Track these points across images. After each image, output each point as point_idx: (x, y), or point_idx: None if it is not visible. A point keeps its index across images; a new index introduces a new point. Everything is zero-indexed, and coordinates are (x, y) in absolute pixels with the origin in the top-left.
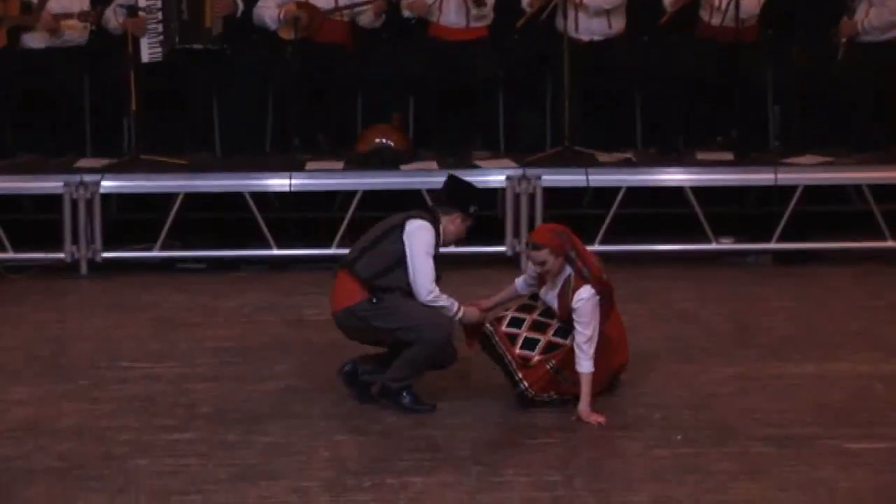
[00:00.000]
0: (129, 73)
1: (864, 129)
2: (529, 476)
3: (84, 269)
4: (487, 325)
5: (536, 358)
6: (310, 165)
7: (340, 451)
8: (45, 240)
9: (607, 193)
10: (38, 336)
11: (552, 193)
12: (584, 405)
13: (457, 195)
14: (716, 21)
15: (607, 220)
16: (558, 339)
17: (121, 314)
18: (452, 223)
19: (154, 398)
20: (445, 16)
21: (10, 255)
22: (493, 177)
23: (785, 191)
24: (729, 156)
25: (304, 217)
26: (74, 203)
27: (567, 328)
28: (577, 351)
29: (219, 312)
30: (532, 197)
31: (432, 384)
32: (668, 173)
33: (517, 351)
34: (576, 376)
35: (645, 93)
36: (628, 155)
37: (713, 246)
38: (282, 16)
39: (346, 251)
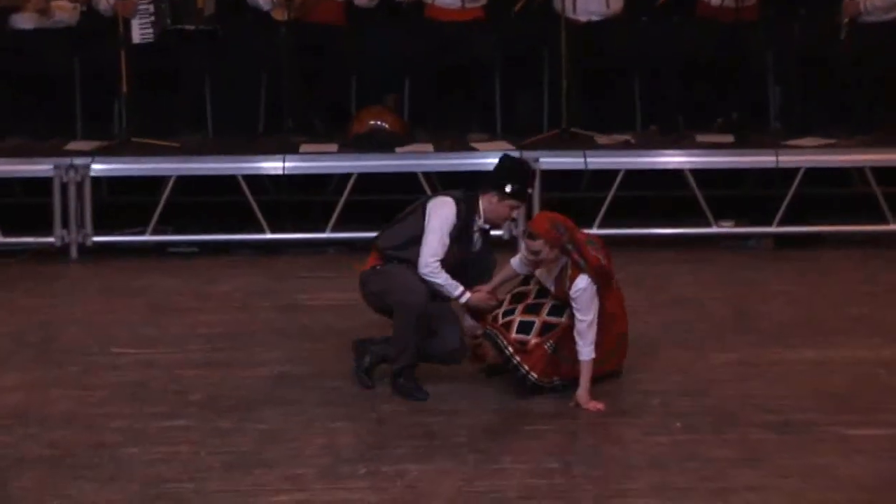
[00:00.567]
0: (119, 55)
1: (866, 111)
2: (527, 463)
3: (74, 253)
4: (485, 326)
5: (533, 341)
6: (304, 148)
7: (335, 438)
8: (35, 224)
9: (606, 176)
10: (27, 321)
11: (550, 176)
12: (582, 391)
13: (495, 173)
14: (715, 1)
15: (606, 204)
16: (553, 319)
17: (111, 299)
18: (489, 202)
19: (146, 385)
20: None
21: (0, 239)
22: (490, 159)
23: (786, 173)
24: (729, 138)
25: (297, 200)
26: (64, 186)
27: (561, 305)
28: (577, 338)
29: (211, 297)
30: None
31: (427, 369)
32: (667, 156)
33: (513, 336)
34: (574, 355)
35: (644, 74)
36: (627, 137)
37: (713, 229)
38: None
39: (340, 235)
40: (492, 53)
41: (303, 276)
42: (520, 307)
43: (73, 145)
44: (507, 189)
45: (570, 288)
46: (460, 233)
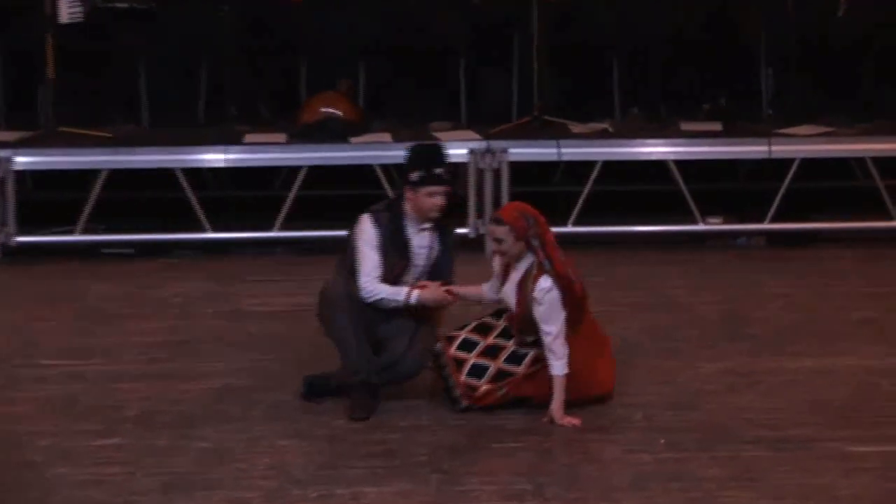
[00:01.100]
0: (45, 36)
1: (868, 95)
2: (495, 485)
3: None
4: (437, 343)
5: (484, 387)
6: (248, 138)
7: (284, 457)
8: None
9: (581, 168)
10: None
11: (520, 168)
12: (556, 405)
13: (403, 169)
14: None
15: (581, 199)
16: (510, 367)
17: (38, 305)
18: (410, 200)
19: (75, 399)
20: None
21: None
22: (454, 150)
23: (780, 165)
24: (717, 126)
25: (242, 196)
26: None
27: (522, 354)
28: (547, 353)
29: (148, 303)
30: (497, 173)
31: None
32: (649, 146)
33: (462, 378)
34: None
35: (623, 55)
36: (605, 125)
37: (700, 227)
38: None
39: (289, 234)
40: (456, 33)
41: (248, 279)
42: (479, 346)
43: None
44: (415, 177)
45: (532, 290)
46: (390, 242)
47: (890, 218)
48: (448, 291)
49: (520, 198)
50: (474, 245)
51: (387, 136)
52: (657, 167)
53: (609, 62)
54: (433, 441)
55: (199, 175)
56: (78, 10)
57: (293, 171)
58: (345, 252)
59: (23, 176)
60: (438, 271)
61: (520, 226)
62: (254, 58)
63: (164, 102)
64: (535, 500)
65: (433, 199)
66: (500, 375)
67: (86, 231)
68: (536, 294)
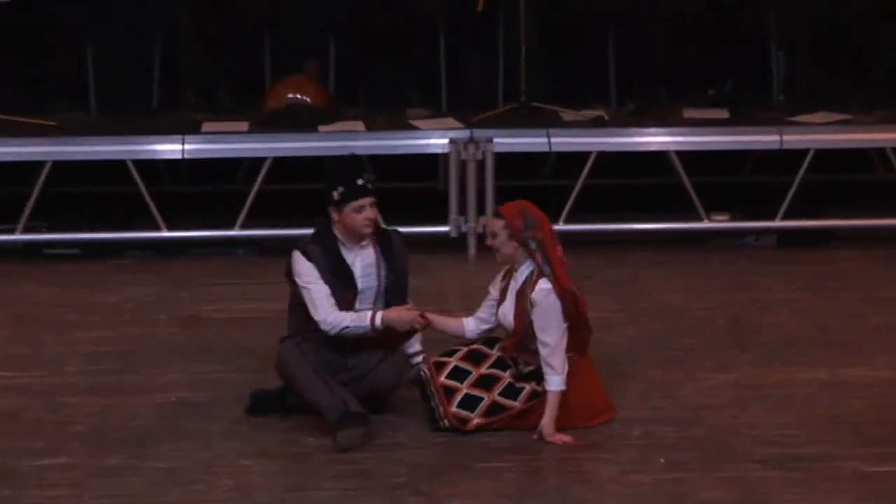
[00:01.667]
0: None
1: (887, 81)
2: None
3: None
4: (425, 369)
5: (476, 421)
6: (207, 127)
7: (246, 478)
8: None
9: (574, 160)
10: None
11: (506, 160)
12: (547, 420)
13: (323, 189)
14: None
15: (574, 194)
16: (505, 401)
17: None
18: (336, 224)
19: (17, 415)
20: None
21: None
22: (434, 140)
23: (792, 156)
24: (723, 113)
25: (200, 191)
26: None
27: (519, 387)
28: (543, 368)
29: (96, 309)
30: (481, 165)
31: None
32: (648, 135)
33: (452, 409)
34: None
35: (619, 35)
36: (599, 112)
37: (704, 224)
38: None
39: (251, 233)
40: (435, 11)
41: (206, 282)
42: (471, 377)
43: None
44: (336, 196)
45: (532, 292)
46: (331, 274)
47: None
48: (421, 315)
49: (506, 193)
50: (455, 245)
51: (359, 125)
52: (657, 159)
53: (603, 43)
54: (412, 460)
55: (152, 168)
56: None
57: (256, 163)
58: (291, 309)
59: None
60: (394, 288)
61: (516, 224)
62: (212, 38)
63: (113, 87)
64: None
65: (362, 213)
66: (494, 409)
67: (27, 230)
68: (535, 295)
